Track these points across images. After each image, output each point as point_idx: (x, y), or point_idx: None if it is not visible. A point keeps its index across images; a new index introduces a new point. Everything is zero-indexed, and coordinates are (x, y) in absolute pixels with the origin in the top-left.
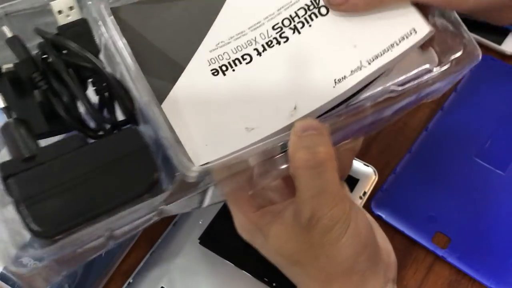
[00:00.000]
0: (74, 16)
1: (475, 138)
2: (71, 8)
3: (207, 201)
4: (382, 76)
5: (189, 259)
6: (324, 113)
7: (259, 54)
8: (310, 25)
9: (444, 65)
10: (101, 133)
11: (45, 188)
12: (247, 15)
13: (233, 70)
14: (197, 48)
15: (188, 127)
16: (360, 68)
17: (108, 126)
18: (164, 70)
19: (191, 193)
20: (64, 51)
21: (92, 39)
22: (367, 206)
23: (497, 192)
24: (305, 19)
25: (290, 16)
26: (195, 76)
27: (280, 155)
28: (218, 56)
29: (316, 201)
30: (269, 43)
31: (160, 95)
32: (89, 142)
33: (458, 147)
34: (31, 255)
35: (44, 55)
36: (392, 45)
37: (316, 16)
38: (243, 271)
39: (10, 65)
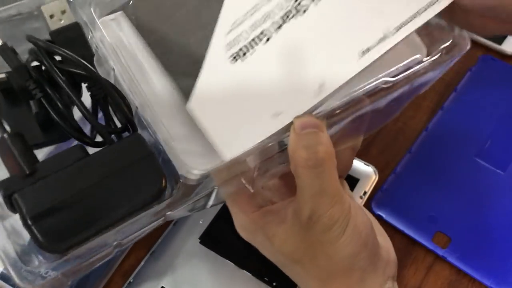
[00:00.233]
0: (66, 20)
1: (475, 138)
2: (63, 12)
3: (210, 202)
4: (374, 67)
5: (189, 259)
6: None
7: (278, 28)
8: None
9: (434, 55)
10: (98, 139)
11: (52, 202)
12: None
13: (253, 53)
14: (213, 33)
15: (216, 122)
16: (385, 38)
17: (106, 133)
18: (186, 65)
19: (197, 196)
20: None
21: (86, 43)
22: (367, 206)
23: (497, 192)
24: None
25: None
26: (215, 67)
27: (279, 152)
28: (235, 38)
29: (315, 200)
30: (287, 14)
31: (186, 93)
32: (89, 151)
33: (458, 147)
34: (39, 268)
35: (36, 62)
36: (417, 13)
37: None
38: (244, 271)
39: (2, 75)
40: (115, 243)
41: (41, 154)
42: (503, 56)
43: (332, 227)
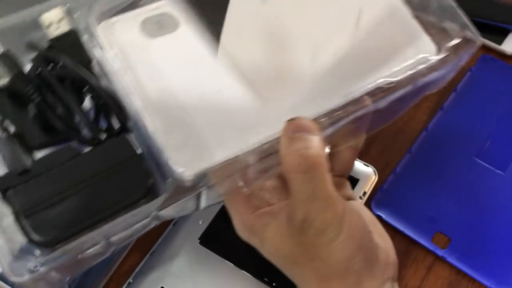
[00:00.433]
0: (64, 27)
1: (475, 138)
2: (60, 20)
3: (203, 203)
4: (377, 66)
5: (189, 259)
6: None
7: None
8: None
9: (442, 53)
10: (98, 141)
11: (43, 198)
12: None
13: None
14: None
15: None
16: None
17: (104, 135)
18: None
19: (185, 197)
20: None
21: (83, 49)
22: (367, 206)
23: (497, 192)
24: None
25: None
26: None
27: (275, 153)
28: None
29: (308, 204)
30: None
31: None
32: (83, 151)
33: (458, 147)
34: (31, 263)
35: (39, 68)
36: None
37: None
38: (243, 271)
39: (6, 80)
40: (104, 240)
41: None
42: (503, 56)
43: (325, 231)
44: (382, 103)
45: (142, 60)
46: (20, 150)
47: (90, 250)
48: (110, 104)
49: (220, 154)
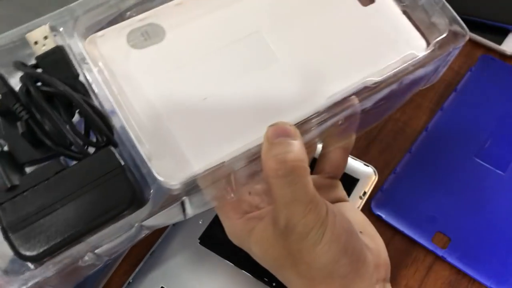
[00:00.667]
0: (49, 45)
1: (475, 138)
2: (46, 37)
3: (190, 211)
4: (362, 65)
5: (189, 259)
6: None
7: None
8: None
9: (430, 48)
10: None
11: (29, 214)
12: None
13: None
14: None
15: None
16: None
17: (93, 149)
18: None
19: (169, 206)
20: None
21: (69, 65)
22: (367, 206)
23: (497, 192)
24: None
25: None
26: None
27: (258, 158)
28: None
29: (289, 209)
30: None
31: None
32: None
33: (458, 147)
34: (22, 276)
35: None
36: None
37: None
38: (243, 271)
39: None
40: (91, 253)
41: None
42: (503, 56)
43: (308, 235)
44: (370, 102)
45: (128, 72)
46: (9, 167)
47: (80, 262)
48: (92, 118)
49: (205, 162)
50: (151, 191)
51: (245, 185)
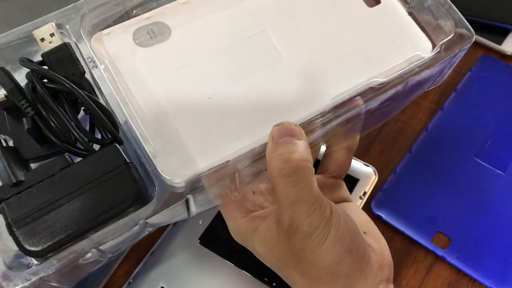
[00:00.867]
0: (56, 42)
1: (475, 138)
2: (52, 35)
3: (193, 209)
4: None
5: (189, 259)
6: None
7: None
8: None
9: (436, 50)
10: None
11: (34, 209)
12: None
13: None
14: None
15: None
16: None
17: (98, 146)
18: None
19: (173, 204)
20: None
21: (75, 62)
22: (367, 206)
23: (497, 192)
24: None
25: None
26: None
27: (264, 157)
28: None
29: (293, 208)
30: None
31: None
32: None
33: (458, 147)
34: (26, 271)
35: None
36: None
37: None
38: (243, 271)
39: (3, 95)
40: (96, 249)
41: None
42: (503, 56)
43: (312, 234)
44: (375, 103)
45: (134, 70)
46: (14, 163)
47: (84, 258)
48: (97, 116)
49: (209, 160)
50: (156, 188)
51: (249, 184)
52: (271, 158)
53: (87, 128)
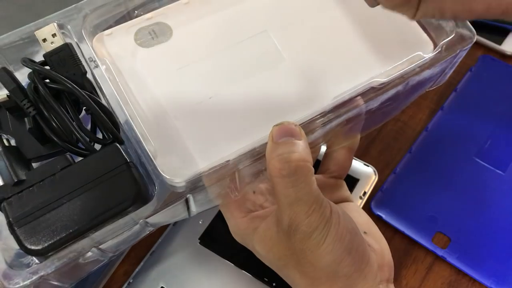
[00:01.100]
0: (57, 42)
1: (475, 138)
2: (54, 35)
3: (194, 209)
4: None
5: (189, 259)
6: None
7: None
8: None
9: (437, 50)
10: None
11: (35, 208)
12: None
13: None
14: None
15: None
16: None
17: (99, 145)
18: None
19: (173, 203)
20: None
21: (76, 62)
22: (367, 206)
23: (497, 192)
24: None
25: None
26: None
27: (263, 157)
28: None
29: (293, 208)
30: None
31: None
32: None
33: (458, 147)
34: (26, 270)
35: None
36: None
37: None
38: (243, 271)
39: (5, 95)
40: (96, 248)
41: None
42: (503, 56)
43: (312, 235)
44: (376, 103)
45: (135, 70)
46: (16, 162)
47: (84, 257)
48: (98, 116)
49: (210, 160)
50: (156, 188)
51: (249, 183)
52: (271, 158)
53: (89, 127)
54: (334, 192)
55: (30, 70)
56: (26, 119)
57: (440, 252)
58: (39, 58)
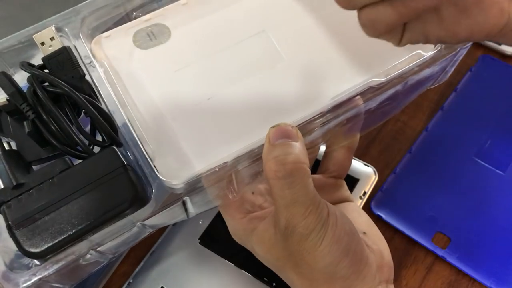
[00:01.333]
0: (56, 45)
1: (475, 138)
2: (52, 39)
3: (192, 211)
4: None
5: (189, 259)
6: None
7: None
8: None
9: (434, 49)
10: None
11: (34, 211)
12: None
13: None
14: None
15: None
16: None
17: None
18: None
19: (171, 206)
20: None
21: (75, 65)
22: (367, 206)
23: (497, 192)
24: None
25: None
26: None
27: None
28: None
29: (289, 210)
30: None
31: None
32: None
33: (458, 147)
34: (26, 272)
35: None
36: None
37: None
38: (243, 271)
39: (5, 98)
40: (94, 250)
41: None
42: (503, 56)
43: (308, 236)
44: (375, 103)
45: (133, 72)
46: (16, 165)
47: (84, 259)
48: (96, 119)
49: (207, 162)
50: (154, 190)
51: (247, 184)
52: (267, 160)
53: (89, 130)
54: (334, 192)
55: (29, 75)
56: (25, 123)
57: (440, 252)
58: (38, 60)
